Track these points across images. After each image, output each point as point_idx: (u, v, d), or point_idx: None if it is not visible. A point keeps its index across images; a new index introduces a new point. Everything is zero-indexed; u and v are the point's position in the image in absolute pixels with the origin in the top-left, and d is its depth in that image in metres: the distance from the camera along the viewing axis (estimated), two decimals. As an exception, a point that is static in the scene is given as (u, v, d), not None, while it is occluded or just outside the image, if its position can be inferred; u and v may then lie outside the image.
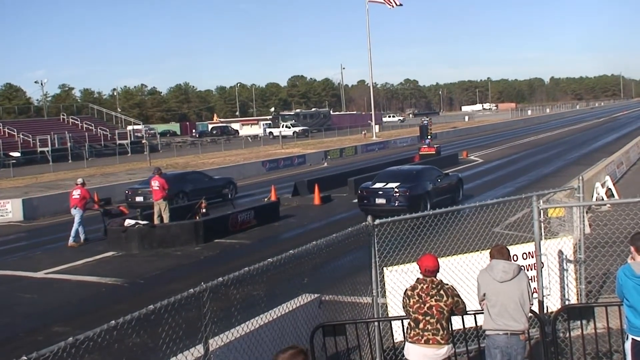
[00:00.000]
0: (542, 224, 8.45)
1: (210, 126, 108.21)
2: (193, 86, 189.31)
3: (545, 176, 30.46)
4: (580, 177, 9.39)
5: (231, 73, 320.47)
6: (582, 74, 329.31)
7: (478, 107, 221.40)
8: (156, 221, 20.14)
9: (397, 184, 20.93)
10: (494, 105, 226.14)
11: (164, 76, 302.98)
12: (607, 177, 22.10)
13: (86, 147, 62.85)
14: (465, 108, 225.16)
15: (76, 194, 19.85)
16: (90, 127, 72.79)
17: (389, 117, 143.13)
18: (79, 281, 15.26)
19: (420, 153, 40.38)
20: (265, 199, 25.92)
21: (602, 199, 19.14)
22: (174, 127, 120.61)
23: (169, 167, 42.92)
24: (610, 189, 21.19)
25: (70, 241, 19.52)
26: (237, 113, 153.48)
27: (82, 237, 19.71)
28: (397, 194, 20.62)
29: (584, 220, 9.87)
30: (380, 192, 20.87)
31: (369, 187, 21.38)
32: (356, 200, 22.82)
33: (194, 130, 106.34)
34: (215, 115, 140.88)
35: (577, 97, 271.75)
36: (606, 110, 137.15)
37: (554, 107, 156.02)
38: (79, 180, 20.57)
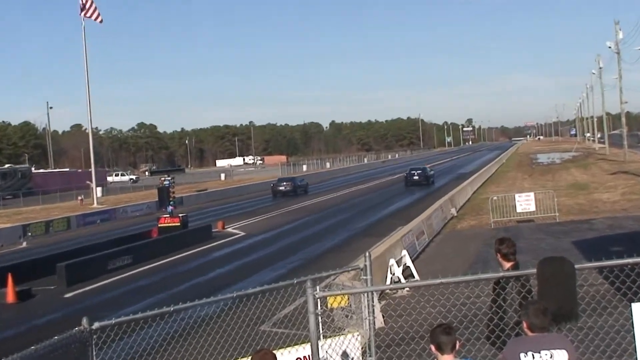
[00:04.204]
0: (320, 317, 8.74)
1: None
2: None
3: (325, 252, 31.81)
4: (368, 254, 9.87)
5: None
6: (371, 118, 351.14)
7: (238, 160, 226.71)
8: None
9: (420, 171, 75.25)
10: (259, 158, 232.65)
11: None
12: (405, 252, 23.40)
13: None
14: (221, 162, 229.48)
15: None
16: None
17: (117, 175, 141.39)
18: None
19: (159, 225, 40.23)
20: None
21: (398, 281, 20.24)
22: None
23: None
24: (408, 267, 22.48)
25: None
26: None
27: None
28: (421, 175, 74.39)
29: (374, 311, 10.37)
30: (415, 174, 74.14)
31: (410, 173, 74.72)
32: (86, 288, 23.74)
33: None
34: None
35: (365, 148, 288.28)
36: (403, 164, 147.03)
37: (335, 161, 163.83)
38: None
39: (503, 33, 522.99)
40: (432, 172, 77.74)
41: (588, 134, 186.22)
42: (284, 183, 74.55)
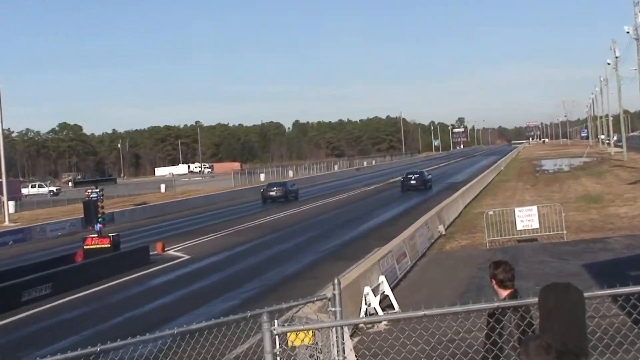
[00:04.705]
0: (279, 358, 8.74)
1: None
2: None
3: (286, 279, 31.90)
4: (337, 281, 9.88)
5: None
6: (343, 117, 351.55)
7: (182, 168, 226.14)
8: None
9: (417, 176, 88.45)
10: (208, 165, 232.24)
11: None
12: (382, 278, 23.46)
13: None
14: (161, 171, 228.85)
15: None
16: None
17: (34, 186, 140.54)
18: None
19: (85, 247, 39.98)
20: None
21: (375, 313, 20.26)
22: None
23: None
24: (387, 296, 22.53)
25: None
26: None
27: None
28: (418, 179, 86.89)
29: (344, 349, 10.38)
30: (412, 179, 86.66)
31: (407, 177, 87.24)
32: None
33: None
34: None
35: (336, 153, 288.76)
36: (381, 172, 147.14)
37: (300, 169, 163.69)
38: None
39: (500, 16, 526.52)
40: (429, 177, 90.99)
41: (602, 136, 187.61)
42: (275, 188, 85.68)
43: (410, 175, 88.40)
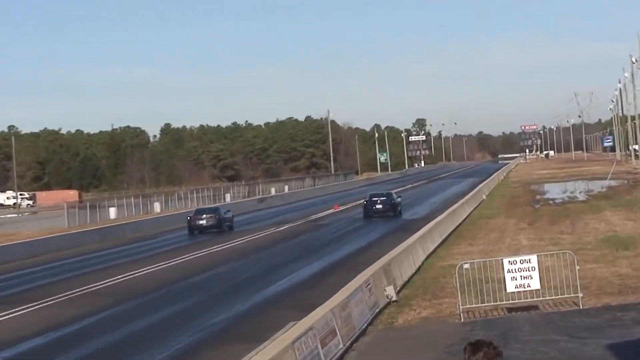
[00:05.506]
0: None
1: None
2: None
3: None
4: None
5: None
6: (239, 119, 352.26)
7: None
8: None
9: (384, 199, 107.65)
10: (27, 196, 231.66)
11: None
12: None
13: None
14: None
15: None
16: None
17: None
18: None
19: None
20: None
21: None
22: None
23: None
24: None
25: None
26: None
27: None
28: (385, 203, 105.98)
29: None
30: (378, 202, 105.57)
31: (372, 200, 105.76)
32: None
33: None
34: None
35: (227, 174, 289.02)
36: (297, 204, 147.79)
37: (172, 200, 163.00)
38: None
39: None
40: (399, 200, 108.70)
41: (635, 146, 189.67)
42: (205, 216, 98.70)
43: (376, 198, 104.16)
